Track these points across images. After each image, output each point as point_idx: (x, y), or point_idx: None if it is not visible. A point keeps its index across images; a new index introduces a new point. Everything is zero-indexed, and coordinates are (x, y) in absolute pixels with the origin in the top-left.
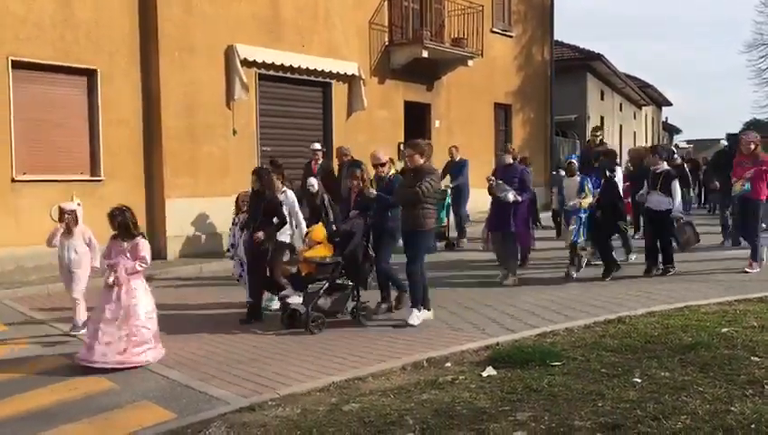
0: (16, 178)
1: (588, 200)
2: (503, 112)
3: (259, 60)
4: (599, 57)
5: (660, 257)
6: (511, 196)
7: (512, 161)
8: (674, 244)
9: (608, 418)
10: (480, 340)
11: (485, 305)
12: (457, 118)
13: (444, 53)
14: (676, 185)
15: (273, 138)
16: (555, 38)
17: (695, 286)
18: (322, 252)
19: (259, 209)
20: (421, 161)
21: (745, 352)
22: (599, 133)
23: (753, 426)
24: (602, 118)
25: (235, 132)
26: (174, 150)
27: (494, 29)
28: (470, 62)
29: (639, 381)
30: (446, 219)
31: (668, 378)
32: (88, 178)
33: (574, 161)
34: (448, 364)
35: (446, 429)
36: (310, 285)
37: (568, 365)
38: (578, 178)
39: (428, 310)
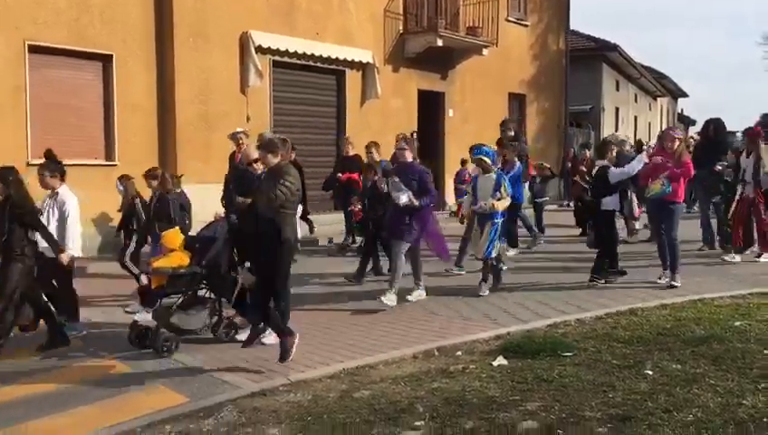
0: (31, 163)
1: (504, 202)
2: (517, 102)
3: (273, 47)
4: (614, 47)
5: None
6: (404, 198)
7: (411, 159)
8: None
9: (618, 409)
10: (491, 330)
11: (496, 296)
12: (471, 107)
13: (458, 41)
14: (616, 171)
15: (287, 125)
16: (571, 27)
17: (708, 279)
18: (175, 261)
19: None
20: (275, 161)
21: (758, 346)
22: (510, 126)
23: (765, 420)
24: (617, 109)
25: (248, 119)
26: (188, 136)
27: (510, 18)
28: (485, 51)
29: (651, 373)
30: None
31: (680, 370)
32: (102, 162)
33: (484, 158)
34: (459, 353)
35: (456, 417)
36: (163, 300)
37: (579, 356)
38: (493, 175)
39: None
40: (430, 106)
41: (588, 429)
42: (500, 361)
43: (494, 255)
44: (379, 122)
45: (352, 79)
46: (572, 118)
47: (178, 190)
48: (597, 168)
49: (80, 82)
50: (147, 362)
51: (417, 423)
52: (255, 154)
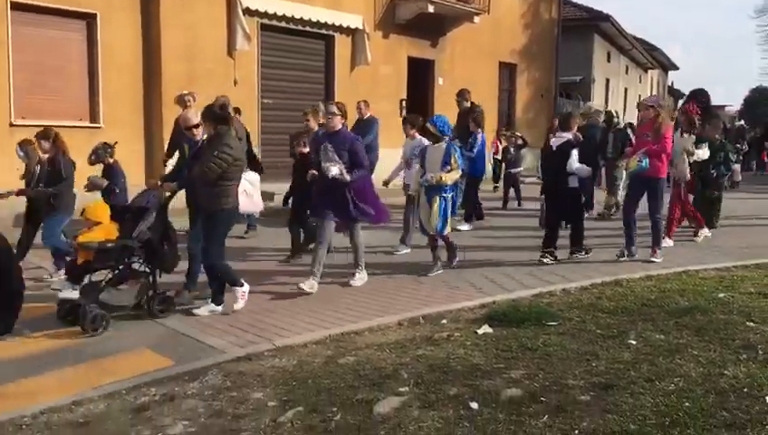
0: (14, 123)
1: (454, 175)
2: (507, 71)
3: (261, 9)
4: (607, 18)
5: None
6: (335, 170)
7: (339, 126)
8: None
9: (601, 378)
10: (476, 298)
11: (482, 265)
12: (461, 76)
13: (450, 8)
14: (576, 154)
15: (274, 90)
16: None
17: (695, 252)
18: (101, 234)
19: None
20: (213, 130)
21: (741, 318)
22: (467, 97)
23: (745, 390)
24: (608, 80)
25: (236, 83)
26: (173, 98)
27: None
28: (476, 19)
29: (634, 342)
30: None
31: (663, 341)
32: (87, 124)
33: (429, 126)
34: (444, 321)
35: (440, 383)
36: (95, 274)
37: (563, 325)
38: (443, 145)
39: (220, 304)
40: (420, 73)
41: (570, 396)
42: (485, 329)
43: (446, 231)
44: (368, 89)
45: (342, 44)
46: (563, 88)
47: (112, 160)
48: (559, 140)
49: (63, 40)
50: (131, 324)
51: (402, 389)
52: (195, 119)
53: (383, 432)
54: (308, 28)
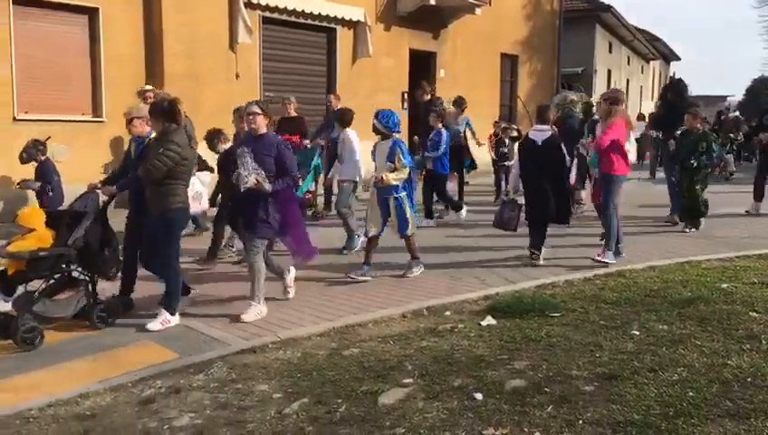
0: (18, 118)
1: (398, 175)
2: (509, 63)
3: (263, 2)
4: (608, 8)
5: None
6: (250, 180)
7: (264, 129)
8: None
9: (605, 368)
10: (480, 290)
11: (485, 256)
12: (463, 67)
13: (451, 0)
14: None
15: (277, 83)
16: None
17: (698, 242)
18: (33, 243)
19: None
20: (160, 127)
21: (744, 308)
22: (427, 90)
23: (749, 380)
24: (609, 71)
25: (237, 76)
26: (175, 92)
27: None
28: (478, 11)
29: (637, 333)
30: (312, 184)
31: (666, 331)
32: (90, 118)
33: (375, 122)
34: (448, 313)
35: (444, 375)
36: (28, 284)
37: (567, 317)
38: (389, 143)
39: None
40: (421, 66)
41: (574, 387)
42: (488, 320)
43: (409, 232)
44: (369, 82)
45: (343, 37)
46: (564, 80)
47: (43, 158)
48: (541, 135)
49: (65, 35)
50: (136, 317)
51: (406, 381)
52: (135, 112)
53: (388, 423)
54: (309, 21)
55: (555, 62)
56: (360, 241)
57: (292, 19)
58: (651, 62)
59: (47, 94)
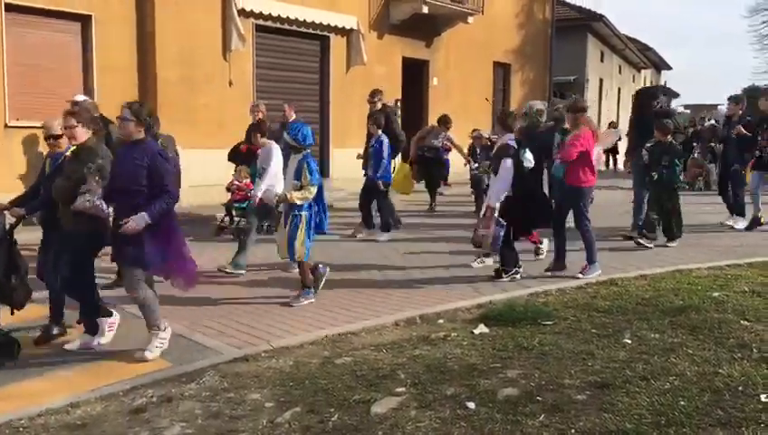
0: (9, 124)
1: (304, 194)
2: (501, 71)
3: (256, 10)
4: (600, 18)
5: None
6: (84, 200)
7: (137, 135)
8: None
9: (597, 377)
10: (472, 298)
11: (476, 264)
12: (456, 76)
13: (444, 8)
14: (508, 165)
15: (270, 90)
16: None
17: (688, 251)
18: None
19: None
20: (84, 136)
21: (735, 316)
22: (378, 97)
23: (740, 388)
24: (601, 80)
25: (231, 84)
26: (169, 100)
27: None
28: (470, 19)
29: (629, 341)
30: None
31: (658, 339)
32: None
33: (286, 136)
34: (441, 321)
35: (437, 383)
36: None
37: (559, 325)
38: (299, 157)
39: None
40: (414, 74)
41: (566, 396)
42: (481, 329)
43: (297, 257)
44: (363, 89)
45: (337, 45)
46: (557, 88)
47: None
48: (500, 141)
49: (58, 42)
50: (128, 326)
51: (399, 389)
52: (58, 128)
53: (380, 433)
54: (303, 29)
55: (547, 70)
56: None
57: (286, 27)
58: (642, 71)
59: (39, 101)
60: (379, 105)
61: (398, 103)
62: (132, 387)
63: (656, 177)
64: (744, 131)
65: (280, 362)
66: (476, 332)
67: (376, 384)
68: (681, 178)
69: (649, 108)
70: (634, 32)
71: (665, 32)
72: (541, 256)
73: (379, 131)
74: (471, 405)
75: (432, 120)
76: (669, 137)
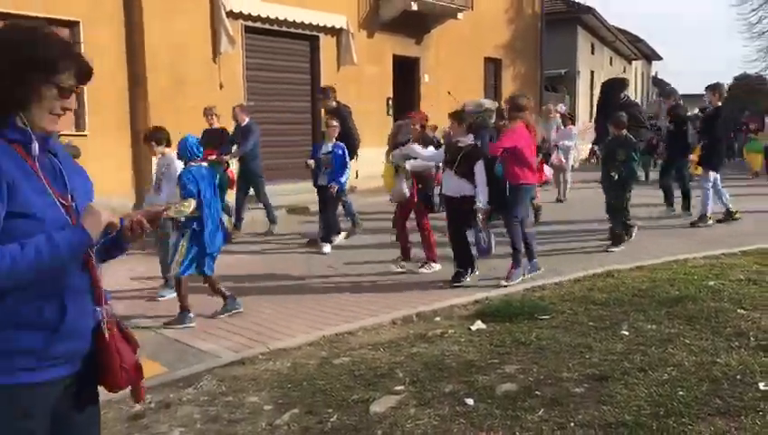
0: None
1: (178, 208)
2: (492, 66)
3: (245, 11)
4: (589, 10)
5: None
6: None
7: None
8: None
9: (595, 369)
10: (469, 294)
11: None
12: (447, 72)
13: (433, 5)
14: (481, 167)
15: (260, 92)
16: None
17: (682, 241)
18: None
19: None
20: None
21: (732, 305)
22: (331, 95)
23: (738, 377)
24: (592, 72)
25: (221, 86)
26: (159, 104)
27: None
28: (460, 15)
29: (627, 333)
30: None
31: (655, 330)
32: (73, 133)
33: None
34: (438, 319)
35: (435, 381)
36: None
37: (556, 319)
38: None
39: None
40: (406, 71)
41: (565, 389)
42: (478, 325)
43: (171, 272)
44: (354, 89)
45: (327, 45)
46: (548, 82)
47: None
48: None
49: None
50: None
51: (398, 388)
52: None
53: (380, 432)
54: (292, 29)
55: (538, 64)
56: None
57: (275, 28)
58: (633, 63)
59: None
60: (333, 103)
61: (390, 102)
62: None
63: (616, 177)
64: (668, 125)
65: (277, 364)
66: (473, 328)
67: (374, 383)
68: (639, 172)
69: (616, 99)
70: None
71: (656, 22)
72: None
73: (334, 140)
74: (470, 402)
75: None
76: (624, 131)
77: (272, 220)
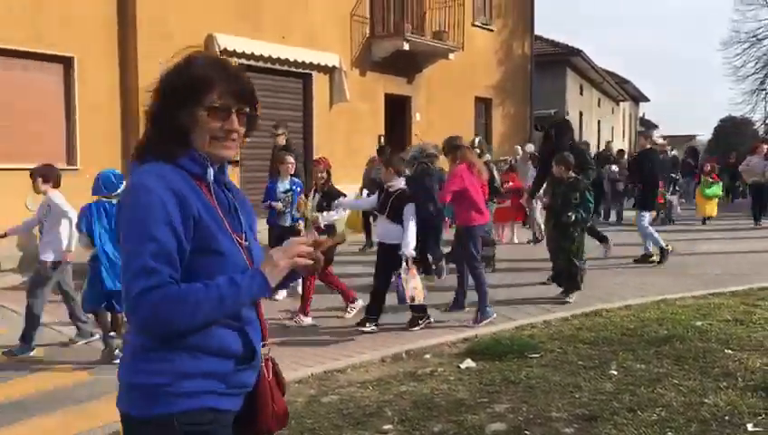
0: None
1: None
2: (483, 106)
3: (239, 50)
4: (578, 53)
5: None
6: None
7: None
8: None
9: (584, 409)
10: (458, 332)
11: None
12: (438, 111)
13: (425, 45)
14: (410, 211)
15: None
16: (535, 33)
17: (671, 280)
18: None
19: None
20: None
21: (719, 345)
22: (280, 132)
23: (726, 418)
24: (581, 113)
25: None
26: None
27: (475, 22)
28: (451, 56)
29: (616, 373)
30: None
31: (644, 370)
32: (64, 166)
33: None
34: (427, 356)
35: (424, 420)
36: None
37: (545, 357)
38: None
39: None
40: (397, 110)
41: (554, 429)
42: (468, 363)
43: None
44: (346, 126)
45: (319, 82)
46: (537, 122)
47: None
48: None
49: (39, 84)
50: (110, 368)
51: (386, 427)
52: None
53: None
54: (285, 67)
55: (528, 104)
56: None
57: (269, 66)
58: (621, 104)
59: (21, 142)
60: (282, 140)
61: (382, 139)
62: (114, 431)
63: (573, 217)
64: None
65: None
66: (463, 366)
67: (363, 422)
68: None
69: (566, 143)
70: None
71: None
72: (349, 314)
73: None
74: None
75: None
76: (572, 172)
77: None
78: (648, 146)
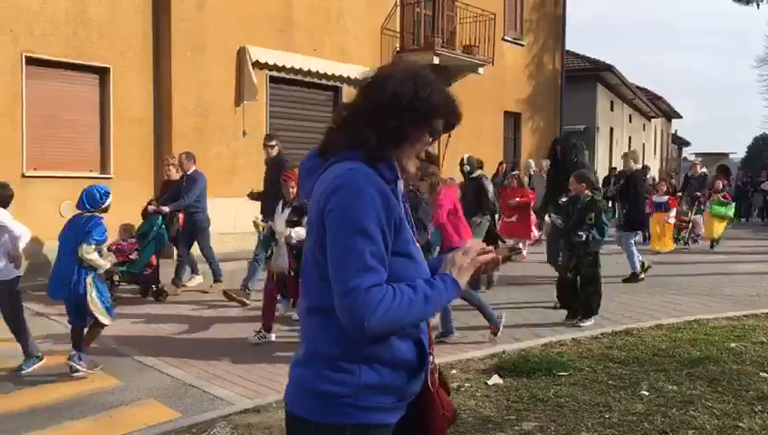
0: (26, 174)
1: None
2: (512, 120)
3: (270, 62)
4: (609, 68)
5: None
6: None
7: None
8: None
9: (615, 430)
10: (486, 348)
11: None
12: (466, 125)
13: (455, 60)
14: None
15: (283, 141)
16: (566, 48)
17: (702, 300)
18: None
19: None
20: None
21: (754, 368)
22: (272, 143)
23: None
24: (611, 129)
25: (245, 134)
26: (184, 149)
27: (506, 37)
28: (481, 70)
29: (647, 393)
30: (152, 258)
31: (676, 391)
32: (98, 175)
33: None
34: (454, 371)
35: None
36: None
37: (575, 376)
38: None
39: None
40: None
41: None
42: (495, 379)
43: (107, 321)
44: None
45: (349, 95)
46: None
47: None
48: None
49: (76, 94)
50: (137, 375)
51: None
52: None
53: None
54: (315, 80)
55: (558, 119)
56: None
57: (299, 78)
58: (653, 120)
59: (56, 151)
60: (275, 152)
61: None
62: None
63: (584, 237)
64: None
65: None
66: (490, 383)
67: None
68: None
69: (570, 160)
70: (646, 82)
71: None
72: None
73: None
74: None
75: (445, 170)
76: (588, 191)
77: (215, 275)
78: (635, 167)
